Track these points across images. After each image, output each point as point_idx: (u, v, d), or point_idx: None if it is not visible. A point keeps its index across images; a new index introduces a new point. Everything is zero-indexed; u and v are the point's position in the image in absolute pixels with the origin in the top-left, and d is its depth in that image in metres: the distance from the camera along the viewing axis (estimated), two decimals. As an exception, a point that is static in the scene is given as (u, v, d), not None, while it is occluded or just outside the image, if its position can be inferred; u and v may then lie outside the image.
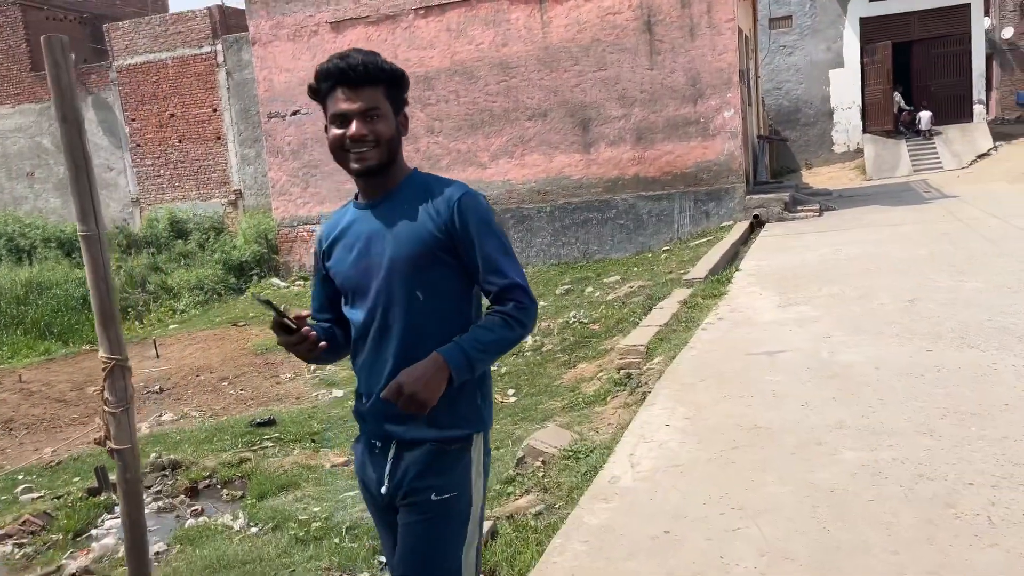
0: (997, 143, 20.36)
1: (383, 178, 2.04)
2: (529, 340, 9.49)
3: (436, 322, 2.00)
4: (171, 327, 14.14)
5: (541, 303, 11.97)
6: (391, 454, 2.04)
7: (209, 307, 15.68)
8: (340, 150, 2.00)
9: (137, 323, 15.00)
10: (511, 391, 7.71)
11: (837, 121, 22.61)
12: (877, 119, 21.91)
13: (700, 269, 9.56)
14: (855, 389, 4.80)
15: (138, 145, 23.36)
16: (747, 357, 5.77)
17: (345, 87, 1.96)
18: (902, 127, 21.91)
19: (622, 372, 6.42)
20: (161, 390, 10.05)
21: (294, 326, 1.98)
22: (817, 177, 21.32)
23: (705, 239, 13.51)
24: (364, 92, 1.96)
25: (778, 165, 22.40)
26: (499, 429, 6.61)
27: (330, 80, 1.98)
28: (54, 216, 24.29)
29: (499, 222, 2.08)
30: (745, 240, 12.59)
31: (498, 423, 6.94)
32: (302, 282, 16.64)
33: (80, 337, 13.63)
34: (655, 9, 14.05)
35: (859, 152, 22.27)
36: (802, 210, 13.83)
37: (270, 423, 7.92)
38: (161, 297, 16.20)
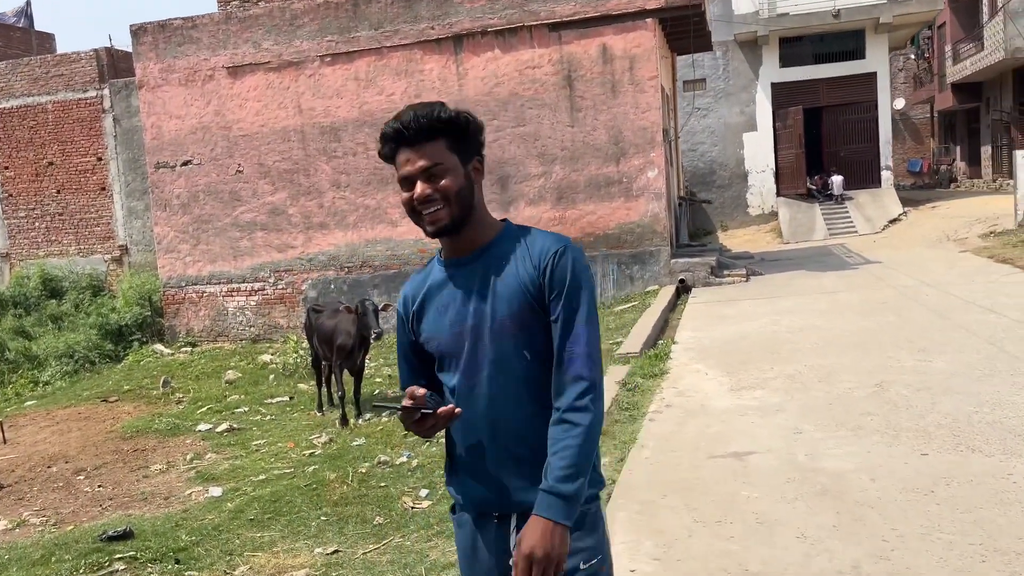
0: (906, 208, 20.60)
1: (467, 233, 1.94)
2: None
3: (543, 385, 1.91)
4: (28, 403, 12.29)
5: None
6: (513, 524, 1.93)
7: (78, 379, 13.83)
8: (412, 213, 1.95)
9: (-11, 398, 13.04)
10: (424, 491, 6.50)
11: (751, 184, 22.59)
12: (790, 182, 21.96)
13: (634, 342, 8.65)
14: (857, 512, 3.85)
15: (10, 195, 21.29)
16: (712, 461, 4.79)
17: (405, 147, 1.91)
18: (815, 191, 22.02)
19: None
20: (0, 487, 8.36)
21: (431, 408, 1.85)
22: (734, 239, 21.09)
23: (630, 304, 12.72)
24: (425, 149, 1.89)
25: (694, 227, 22.13)
26: (408, 547, 5.43)
27: (389, 143, 1.94)
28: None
29: (591, 279, 1.95)
30: (673, 306, 11.85)
31: (407, 539, 5.73)
32: (188, 348, 15.01)
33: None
34: (576, 64, 13.43)
35: (774, 215, 22.24)
36: (729, 275, 13.24)
37: (126, 536, 6.44)
38: (22, 367, 14.25)
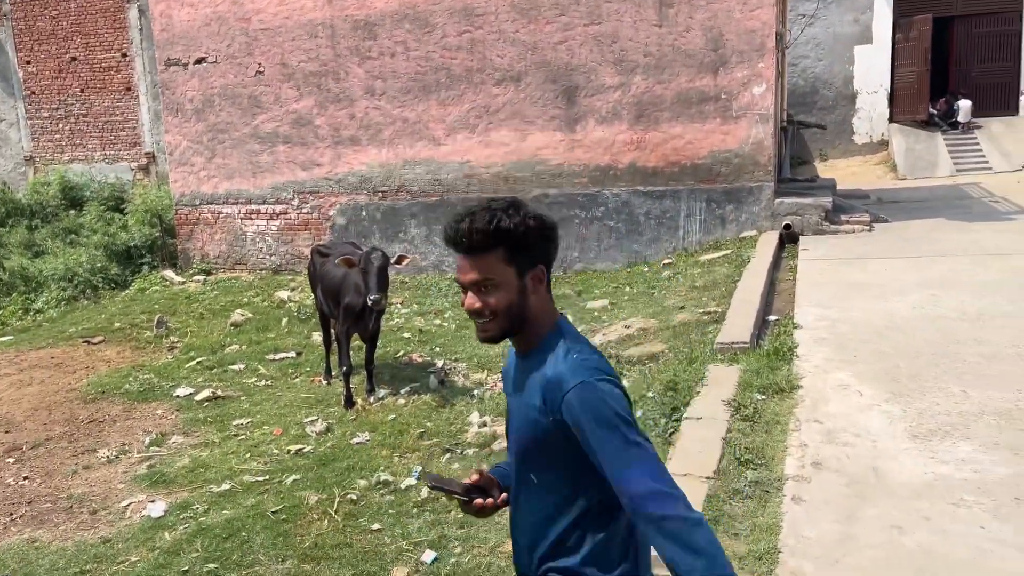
0: (1050, 142, 17.30)
1: (523, 335, 1.84)
2: (474, 425, 6.16)
3: (549, 515, 1.79)
4: (3, 339, 10.57)
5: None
6: None
7: (74, 307, 12.08)
8: (470, 314, 1.86)
9: (-30, 327, 11.39)
10: (429, 555, 4.38)
11: (860, 107, 19.36)
12: (908, 107, 18.70)
13: (738, 325, 6.25)
14: None
15: (33, 93, 19.49)
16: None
17: (460, 254, 1.82)
18: (937, 117, 18.72)
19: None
20: (-89, 467, 6.57)
21: (467, 498, 1.89)
22: (835, 171, 18.10)
23: (721, 253, 10.27)
24: (479, 260, 1.79)
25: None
26: None
27: (449, 246, 1.85)
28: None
29: (617, 408, 1.68)
30: (777, 262, 9.36)
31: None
32: (202, 277, 13.13)
33: None
34: (669, -54, 10.61)
35: (883, 144, 19.11)
36: (848, 221, 10.60)
37: (5, 588, 4.55)
38: (17, 289, 12.56)
